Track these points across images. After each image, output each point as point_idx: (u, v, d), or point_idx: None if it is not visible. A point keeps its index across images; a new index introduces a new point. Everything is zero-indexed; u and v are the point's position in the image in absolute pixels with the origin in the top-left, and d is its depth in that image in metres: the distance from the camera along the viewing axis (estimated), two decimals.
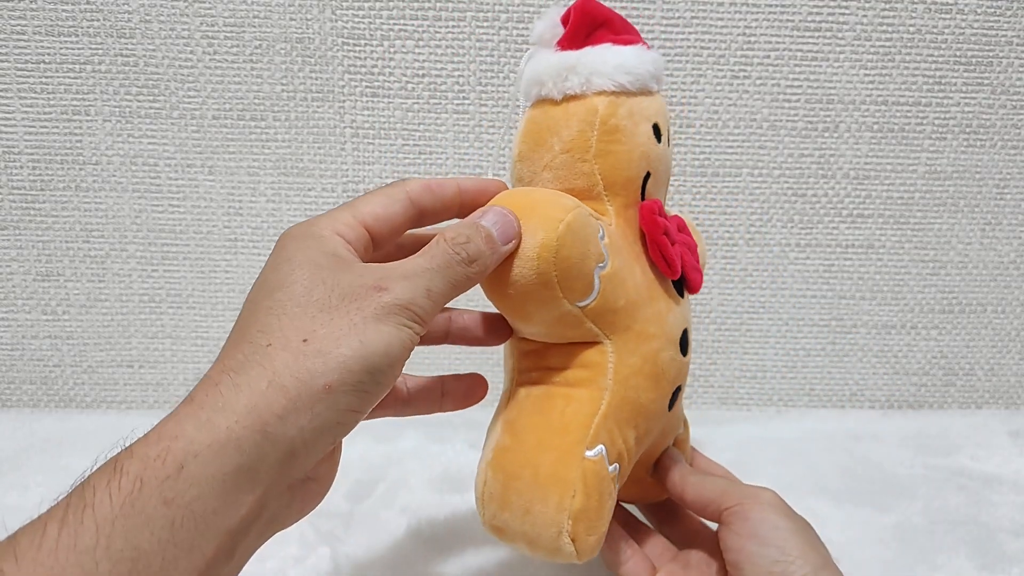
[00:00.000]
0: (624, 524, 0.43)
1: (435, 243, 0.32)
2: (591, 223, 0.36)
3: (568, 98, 0.38)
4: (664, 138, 0.40)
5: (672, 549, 0.42)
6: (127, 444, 0.27)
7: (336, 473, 0.33)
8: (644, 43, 0.39)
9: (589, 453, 0.36)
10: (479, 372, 0.42)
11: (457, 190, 0.36)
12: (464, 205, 0.36)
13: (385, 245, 0.35)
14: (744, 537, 0.36)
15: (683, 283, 0.41)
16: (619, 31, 0.39)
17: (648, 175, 0.39)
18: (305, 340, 0.28)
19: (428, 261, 0.32)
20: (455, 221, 0.35)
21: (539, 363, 0.38)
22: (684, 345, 0.41)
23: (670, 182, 0.43)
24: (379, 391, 0.30)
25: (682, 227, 0.41)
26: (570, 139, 0.38)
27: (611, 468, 0.37)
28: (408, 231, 0.36)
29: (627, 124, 0.38)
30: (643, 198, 0.39)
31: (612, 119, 0.38)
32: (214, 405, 0.27)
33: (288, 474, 0.28)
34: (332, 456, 0.33)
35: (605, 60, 0.38)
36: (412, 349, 0.30)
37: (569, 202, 0.35)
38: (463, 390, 0.41)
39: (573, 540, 0.35)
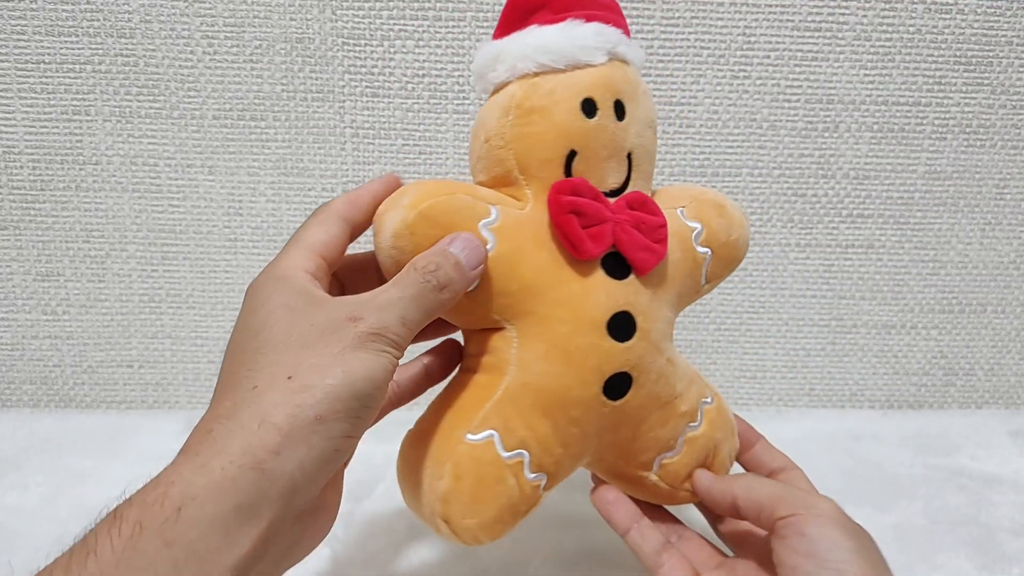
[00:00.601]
0: (667, 525, 0.42)
1: (406, 272, 0.33)
2: (462, 210, 0.36)
3: (498, 87, 0.39)
4: (604, 112, 0.38)
5: (718, 556, 0.40)
6: (127, 496, 0.28)
7: (341, 498, 0.34)
8: (611, 11, 0.39)
9: (472, 437, 0.37)
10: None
11: (372, 197, 0.37)
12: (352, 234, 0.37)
13: (335, 267, 0.36)
14: (800, 555, 0.34)
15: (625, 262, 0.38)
16: (560, 10, 0.39)
17: (573, 153, 0.38)
18: (290, 377, 0.29)
19: (401, 290, 0.33)
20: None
21: (465, 349, 0.40)
22: (622, 328, 0.38)
23: (654, 164, 0.41)
24: (368, 415, 0.31)
25: (637, 204, 0.39)
26: (490, 128, 0.39)
27: (507, 455, 0.37)
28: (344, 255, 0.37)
29: (545, 104, 0.38)
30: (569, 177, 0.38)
31: (528, 101, 0.38)
32: (209, 450, 0.28)
33: (292, 507, 0.28)
34: (336, 483, 0.33)
35: (526, 43, 0.38)
36: (393, 372, 0.31)
37: (438, 190, 0.36)
38: (443, 361, 0.42)
39: (446, 521, 0.36)
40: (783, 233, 0.64)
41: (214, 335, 0.65)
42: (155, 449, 0.60)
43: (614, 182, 0.39)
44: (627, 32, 0.40)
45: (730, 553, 0.41)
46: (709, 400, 0.42)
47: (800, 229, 0.64)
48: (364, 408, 0.30)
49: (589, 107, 0.38)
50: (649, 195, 0.40)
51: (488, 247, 0.37)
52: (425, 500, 0.37)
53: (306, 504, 0.30)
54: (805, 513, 0.34)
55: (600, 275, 0.38)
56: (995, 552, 0.50)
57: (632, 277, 0.38)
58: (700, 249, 0.41)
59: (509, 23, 0.39)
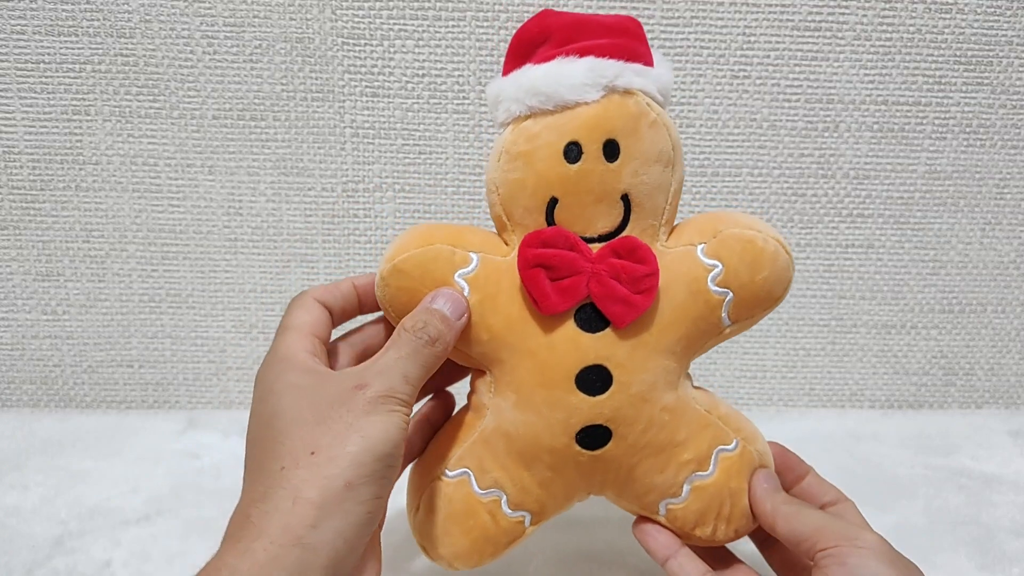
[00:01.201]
0: (713, 553, 0.41)
1: (398, 334, 0.36)
2: (436, 261, 0.38)
3: (504, 126, 0.39)
4: (590, 154, 0.37)
5: None
6: None
7: (381, 562, 0.36)
8: (622, 37, 0.37)
9: (450, 473, 0.39)
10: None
11: (352, 286, 0.40)
12: (362, 300, 0.40)
13: (327, 345, 0.39)
14: None
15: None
16: (562, 43, 0.37)
17: (555, 200, 0.37)
18: (313, 452, 0.31)
19: (397, 351, 0.35)
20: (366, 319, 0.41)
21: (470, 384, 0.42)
22: (594, 382, 0.37)
23: (670, 198, 0.39)
24: (392, 473, 0.33)
25: (624, 251, 0.37)
26: (488, 171, 0.39)
27: (482, 492, 0.39)
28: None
29: (528, 149, 0.37)
30: (551, 224, 0.38)
31: (515, 147, 0.38)
32: (250, 535, 0.29)
33: (338, 575, 0.30)
34: (373, 546, 0.35)
35: (519, 84, 0.38)
36: (407, 429, 0.33)
37: (418, 241, 0.39)
38: (439, 405, 0.44)
39: (425, 550, 0.40)
40: (783, 233, 0.64)
41: (214, 335, 0.65)
42: (155, 449, 0.60)
43: (604, 227, 0.38)
44: (642, 56, 0.38)
45: None
46: (731, 447, 0.39)
47: (800, 229, 0.64)
48: (387, 468, 0.32)
49: (572, 151, 0.37)
50: (660, 234, 0.39)
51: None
52: (411, 526, 0.41)
53: (349, 570, 0.31)
54: (847, 545, 0.33)
55: (570, 328, 0.37)
56: (995, 552, 0.50)
57: (609, 329, 0.37)
58: (716, 290, 0.38)
59: (513, 59, 0.39)
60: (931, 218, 0.64)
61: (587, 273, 0.37)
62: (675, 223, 0.40)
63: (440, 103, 0.60)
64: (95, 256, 0.63)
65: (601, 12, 0.58)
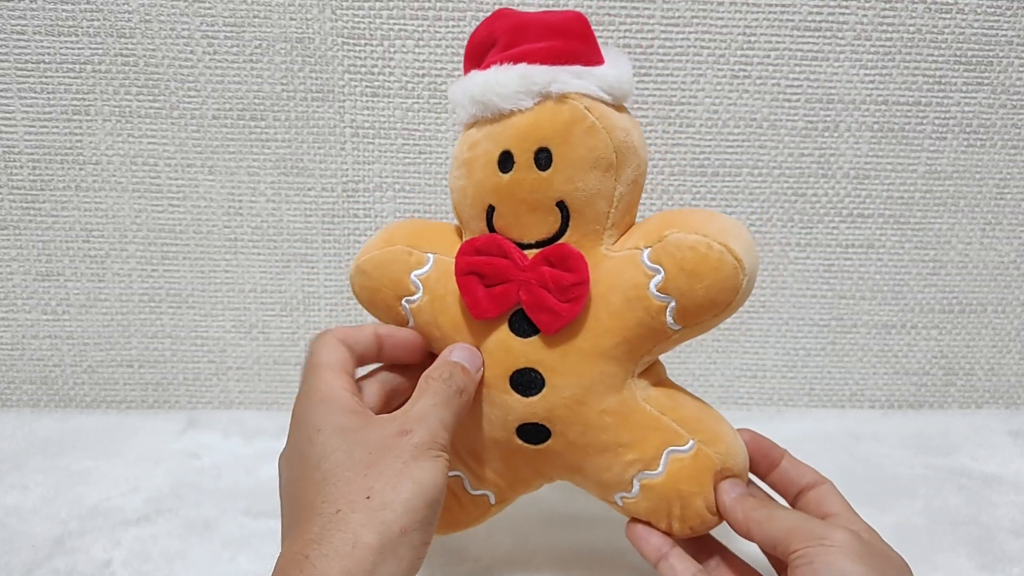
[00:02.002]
0: (707, 549, 0.41)
1: (426, 383, 0.37)
2: (393, 263, 0.41)
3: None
4: (521, 163, 0.37)
5: None
6: None
7: None
8: (564, 39, 0.36)
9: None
10: None
11: (374, 334, 0.40)
12: (382, 347, 0.41)
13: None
14: None
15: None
16: (508, 46, 0.37)
17: (492, 208, 0.38)
18: (368, 497, 0.32)
19: (432, 398, 0.36)
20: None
21: None
22: (526, 384, 0.39)
23: (614, 203, 0.38)
24: (436, 518, 0.34)
25: (555, 259, 0.37)
26: (450, 175, 0.41)
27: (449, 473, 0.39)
28: None
29: (469, 157, 0.38)
30: (492, 231, 0.39)
31: (462, 154, 0.39)
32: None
33: None
34: None
35: (464, 91, 0.38)
36: (447, 474, 0.34)
37: (381, 243, 0.41)
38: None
39: None
40: (783, 233, 0.64)
41: (214, 335, 0.65)
42: (155, 449, 0.60)
43: (540, 234, 0.38)
44: (582, 56, 0.37)
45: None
46: (685, 448, 0.39)
47: (800, 229, 0.64)
48: (434, 513, 0.33)
49: (505, 161, 0.37)
50: (606, 238, 0.38)
51: (416, 296, 0.41)
52: None
53: None
54: (816, 544, 0.34)
55: (504, 332, 0.39)
56: (995, 552, 0.50)
57: (540, 335, 0.38)
58: (658, 296, 0.37)
59: (467, 63, 0.39)
60: (931, 218, 0.64)
61: (518, 281, 0.38)
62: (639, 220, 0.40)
63: (440, 103, 0.60)
64: (95, 256, 0.63)
65: (600, 11, 0.58)
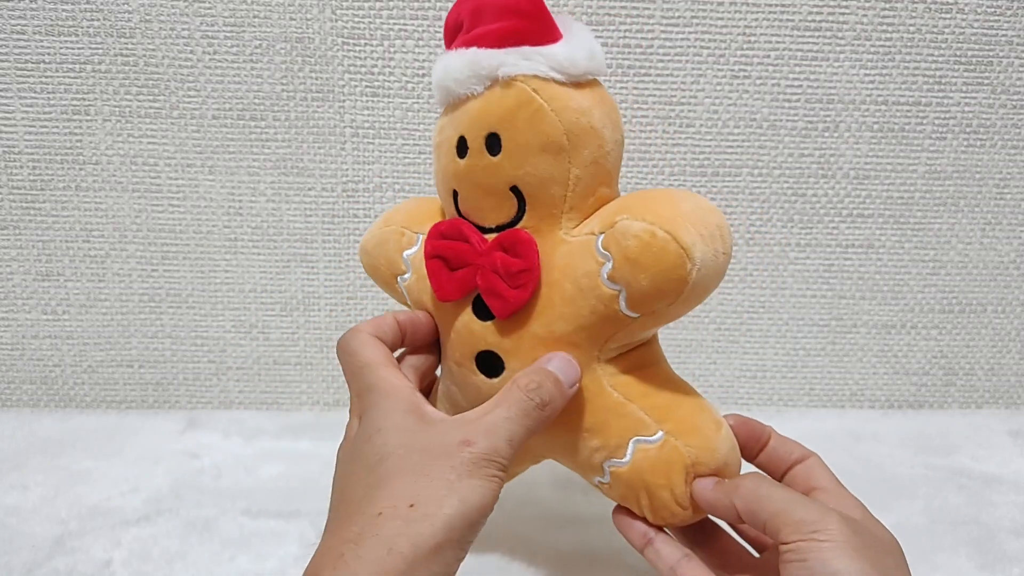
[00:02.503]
0: (695, 529, 0.40)
1: (509, 391, 0.36)
2: (386, 242, 0.42)
3: None
4: (474, 149, 0.37)
5: (744, 558, 0.39)
6: None
7: None
8: (517, 19, 0.35)
9: None
10: None
11: (395, 320, 0.40)
12: (404, 333, 0.41)
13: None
14: None
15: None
16: (468, 29, 0.37)
17: (456, 193, 0.39)
18: (412, 505, 0.31)
19: (506, 411, 0.35)
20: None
21: None
22: (490, 365, 0.39)
23: (569, 188, 0.37)
24: (475, 537, 0.33)
25: (507, 244, 0.37)
26: None
27: None
28: None
29: (438, 142, 0.39)
30: (460, 215, 0.39)
31: (435, 138, 0.40)
32: (343, 573, 0.30)
33: None
34: None
35: (435, 72, 0.38)
36: (498, 495, 0.33)
37: (383, 222, 0.43)
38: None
39: None
40: (783, 233, 0.64)
41: (214, 335, 0.65)
42: (155, 449, 0.60)
43: (498, 219, 0.38)
44: (533, 36, 0.36)
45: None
46: (652, 439, 0.37)
47: (800, 229, 0.64)
48: (474, 534, 0.32)
49: (461, 146, 0.37)
50: (564, 222, 0.37)
51: (407, 275, 0.42)
52: None
53: None
54: (807, 539, 0.32)
55: (467, 315, 0.39)
56: (995, 552, 0.50)
57: (495, 319, 0.38)
58: (609, 284, 0.35)
59: (446, 47, 0.39)
60: (931, 218, 0.64)
61: (475, 265, 0.38)
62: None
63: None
64: (95, 256, 0.63)
65: (600, 11, 0.58)
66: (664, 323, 0.38)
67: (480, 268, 0.38)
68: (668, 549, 0.38)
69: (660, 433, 0.37)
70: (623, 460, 0.38)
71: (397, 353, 0.42)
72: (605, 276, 0.35)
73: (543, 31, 0.36)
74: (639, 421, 0.38)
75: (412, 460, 0.33)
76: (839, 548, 0.31)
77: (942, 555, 0.49)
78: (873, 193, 0.63)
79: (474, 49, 0.36)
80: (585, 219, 0.38)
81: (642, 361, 0.39)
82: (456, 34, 0.38)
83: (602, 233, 0.36)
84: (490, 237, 0.38)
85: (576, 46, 0.36)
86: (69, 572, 0.47)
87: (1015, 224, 0.64)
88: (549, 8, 0.36)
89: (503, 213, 0.37)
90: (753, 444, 0.40)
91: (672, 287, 0.34)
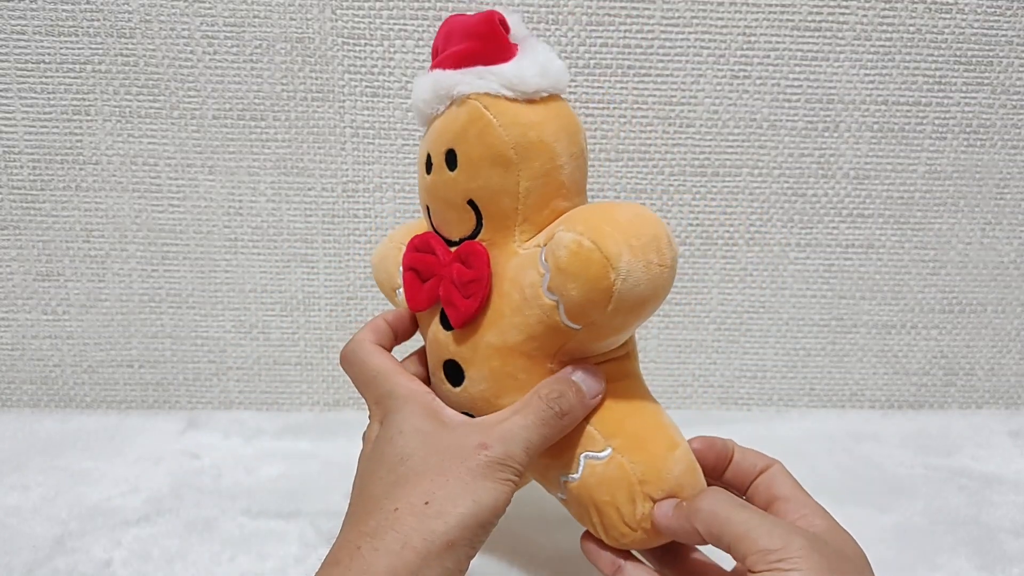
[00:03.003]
0: (664, 550, 0.40)
1: (531, 397, 0.36)
2: (387, 257, 0.45)
3: None
4: (437, 165, 0.38)
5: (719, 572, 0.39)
6: None
7: None
8: (471, 41, 0.37)
9: None
10: None
11: (384, 322, 0.42)
12: (395, 333, 0.42)
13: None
14: None
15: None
16: (439, 52, 0.39)
17: (428, 207, 0.40)
18: (427, 503, 0.33)
19: (524, 418, 0.36)
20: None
21: None
22: (454, 374, 0.40)
23: (521, 199, 0.37)
24: (487, 537, 0.34)
25: (463, 256, 0.38)
26: None
27: None
28: None
29: (417, 159, 0.42)
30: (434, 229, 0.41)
31: (417, 157, 0.42)
32: (359, 568, 0.31)
33: None
34: None
35: (412, 95, 0.41)
36: (510, 498, 0.34)
37: (391, 239, 0.45)
38: None
39: None
40: (783, 233, 0.64)
41: (214, 335, 0.65)
42: (155, 449, 0.60)
43: (460, 232, 0.39)
44: (487, 55, 0.37)
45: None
46: (601, 455, 0.37)
47: (800, 229, 0.64)
48: (485, 534, 0.34)
49: (428, 163, 0.39)
50: (518, 235, 0.38)
51: (399, 289, 0.43)
52: None
53: None
54: (773, 570, 0.31)
55: (435, 324, 0.41)
56: (995, 552, 0.50)
57: (456, 329, 0.39)
58: (548, 295, 0.36)
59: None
60: (931, 218, 0.64)
61: (439, 276, 0.40)
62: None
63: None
64: (95, 256, 0.63)
65: (600, 11, 0.58)
66: (610, 335, 0.37)
67: (442, 279, 0.39)
68: (638, 573, 0.38)
69: (608, 449, 0.37)
70: (575, 476, 0.38)
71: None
72: (545, 287, 0.36)
73: (497, 51, 0.37)
74: (588, 436, 0.38)
75: (431, 461, 0.34)
76: (807, 572, 0.30)
77: (942, 555, 0.49)
78: (873, 193, 0.63)
79: (437, 71, 0.38)
80: (539, 231, 0.38)
81: (608, 376, 0.39)
82: (435, 58, 0.40)
83: (545, 245, 0.36)
84: (455, 250, 0.39)
85: (527, 64, 0.37)
86: (69, 572, 0.47)
87: (1015, 224, 0.64)
88: (520, 25, 0.38)
89: (464, 226, 0.39)
90: (719, 463, 0.40)
91: (599, 297, 0.34)
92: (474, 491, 0.33)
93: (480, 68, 0.37)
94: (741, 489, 0.40)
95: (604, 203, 0.38)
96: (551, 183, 0.37)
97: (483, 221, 0.38)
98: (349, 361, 0.40)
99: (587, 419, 0.38)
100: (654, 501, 0.37)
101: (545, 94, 0.37)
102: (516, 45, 0.38)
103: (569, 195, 0.38)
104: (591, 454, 0.37)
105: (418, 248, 0.41)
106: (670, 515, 0.36)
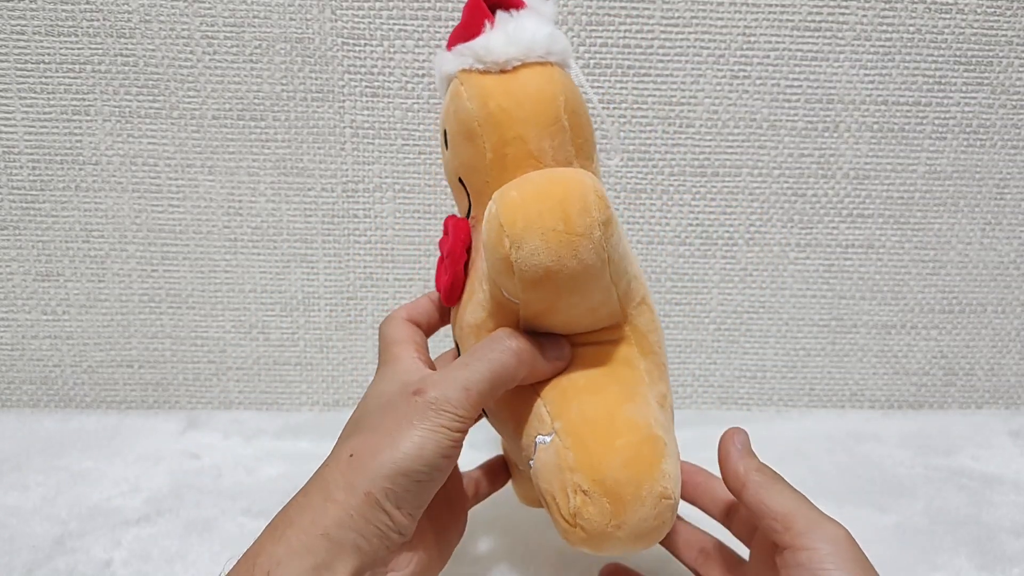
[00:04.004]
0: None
1: (485, 340, 0.36)
2: None
3: None
4: (442, 144, 0.40)
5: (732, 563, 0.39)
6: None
7: (442, 545, 0.37)
8: (464, 23, 0.37)
9: None
10: None
11: (430, 301, 0.41)
12: (441, 312, 0.42)
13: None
14: None
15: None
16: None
17: (461, 180, 0.39)
18: (351, 455, 0.32)
19: (468, 357, 0.34)
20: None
21: None
22: (458, 353, 0.41)
23: (480, 173, 0.37)
24: (422, 490, 0.32)
25: (445, 235, 0.40)
26: None
27: None
28: None
29: None
30: (470, 204, 0.39)
31: None
32: (286, 524, 0.32)
33: (368, 562, 0.32)
34: (422, 537, 0.35)
35: None
36: (450, 447, 0.32)
37: None
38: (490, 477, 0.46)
39: None
40: (783, 233, 0.64)
41: (214, 335, 0.65)
42: (155, 449, 0.60)
43: (462, 210, 0.40)
44: (464, 34, 0.37)
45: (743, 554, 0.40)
46: (547, 438, 0.35)
47: (800, 229, 0.64)
48: (414, 484, 0.32)
49: (443, 138, 0.40)
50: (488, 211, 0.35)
51: None
52: None
53: (380, 564, 0.32)
54: (811, 548, 0.32)
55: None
56: (995, 552, 0.50)
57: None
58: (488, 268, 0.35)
59: None
60: (931, 218, 0.64)
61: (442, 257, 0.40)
62: None
63: (440, 103, 0.60)
64: (95, 256, 0.63)
65: (600, 11, 0.58)
66: (547, 312, 0.35)
67: (447, 257, 0.40)
68: None
69: (552, 432, 0.35)
70: (532, 461, 0.35)
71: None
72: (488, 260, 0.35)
73: (475, 27, 0.37)
74: (538, 416, 0.35)
75: (374, 417, 0.33)
76: (836, 559, 0.31)
77: (942, 555, 0.49)
78: (873, 193, 0.63)
79: (438, 54, 0.39)
80: None
81: (593, 359, 0.37)
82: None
83: None
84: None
85: (495, 34, 0.36)
86: (69, 572, 0.47)
87: (1015, 224, 0.64)
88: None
89: (462, 205, 0.40)
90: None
91: (503, 267, 0.33)
92: (397, 440, 0.32)
93: (461, 46, 0.37)
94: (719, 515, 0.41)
95: (546, 170, 0.35)
96: (517, 154, 0.35)
97: (470, 198, 0.38)
98: (379, 333, 0.40)
99: (542, 397, 0.36)
100: (585, 494, 0.33)
101: (517, 63, 0.36)
102: (494, 18, 0.37)
103: (540, 167, 0.36)
104: (541, 437, 0.35)
105: (445, 229, 0.41)
106: (739, 449, 0.36)
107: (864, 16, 0.59)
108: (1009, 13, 0.59)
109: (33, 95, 0.59)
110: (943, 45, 0.60)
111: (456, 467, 0.40)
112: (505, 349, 0.34)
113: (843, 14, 0.59)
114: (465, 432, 0.33)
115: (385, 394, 0.34)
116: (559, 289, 0.33)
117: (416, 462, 0.31)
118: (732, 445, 0.36)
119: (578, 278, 0.33)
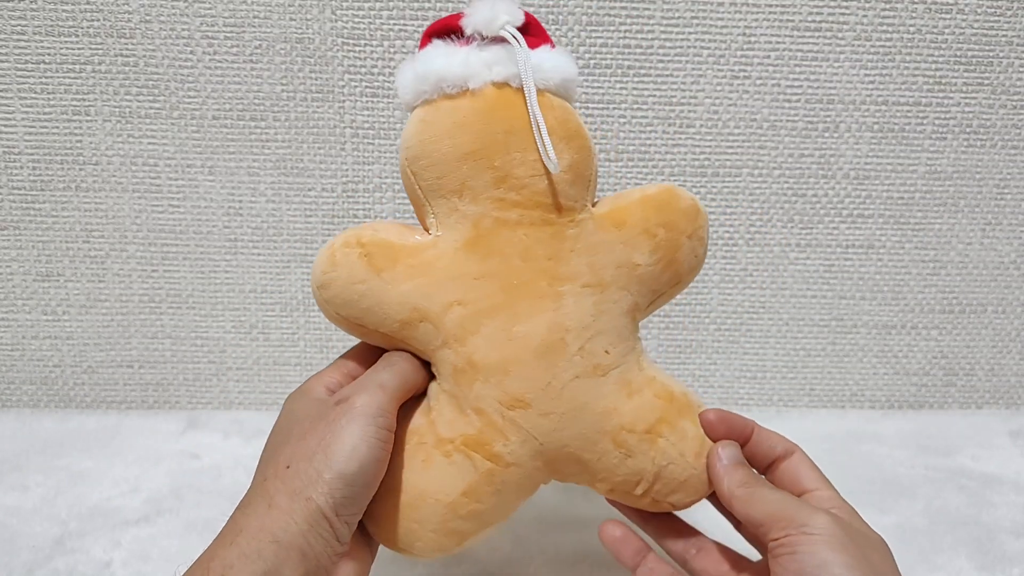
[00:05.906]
0: (685, 541, 0.41)
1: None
2: None
3: None
4: None
5: (740, 564, 0.39)
6: None
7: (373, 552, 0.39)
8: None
9: None
10: None
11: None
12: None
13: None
14: (791, 574, 0.32)
15: None
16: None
17: None
18: (288, 466, 0.34)
19: (374, 369, 0.38)
20: None
21: None
22: None
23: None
24: (358, 495, 0.34)
25: None
26: None
27: None
28: None
29: None
30: None
31: None
32: (233, 531, 0.33)
33: (315, 565, 0.33)
34: (361, 545, 0.37)
35: None
36: (381, 448, 0.35)
37: None
38: None
39: None
40: (783, 233, 0.64)
41: (214, 335, 0.65)
42: (155, 449, 0.60)
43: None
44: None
45: (753, 556, 0.40)
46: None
47: (800, 229, 0.64)
48: (349, 486, 0.34)
49: None
50: None
51: None
52: None
53: (329, 565, 0.34)
54: (796, 533, 0.33)
55: None
56: (995, 552, 0.50)
57: None
58: None
59: None
60: (931, 218, 0.64)
61: None
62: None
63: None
64: (95, 256, 0.63)
65: (600, 11, 0.58)
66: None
67: None
68: (662, 568, 0.40)
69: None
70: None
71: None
72: None
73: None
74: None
75: (295, 430, 0.35)
76: (827, 541, 0.32)
77: (942, 555, 0.49)
78: (873, 193, 0.63)
79: None
80: None
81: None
82: None
83: None
84: None
85: (405, 68, 0.39)
86: (69, 572, 0.47)
87: (1015, 224, 0.64)
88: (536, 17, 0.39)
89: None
90: (736, 439, 0.40)
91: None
92: (328, 444, 0.34)
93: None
94: (758, 468, 0.40)
95: None
96: (418, 187, 0.41)
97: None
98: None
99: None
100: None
101: (434, 96, 0.38)
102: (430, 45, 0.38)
103: (444, 197, 0.40)
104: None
105: None
106: (725, 464, 0.37)
107: (864, 16, 0.59)
108: (1009, 13, 0.59)
109: (33, 95, 0.59)
110: (943, 45, 0.60)
111: None
112: (403, 358, 0.38)
113: (843, 14, 0.59)
114: (392, 431, 0.35)
115: (307, 407, 0.37)
116: (354, 316, 0.39)
117: (350, 462, 0.33)
118: (717, 461, 0.38)
119: (356, 304, 0.39)
